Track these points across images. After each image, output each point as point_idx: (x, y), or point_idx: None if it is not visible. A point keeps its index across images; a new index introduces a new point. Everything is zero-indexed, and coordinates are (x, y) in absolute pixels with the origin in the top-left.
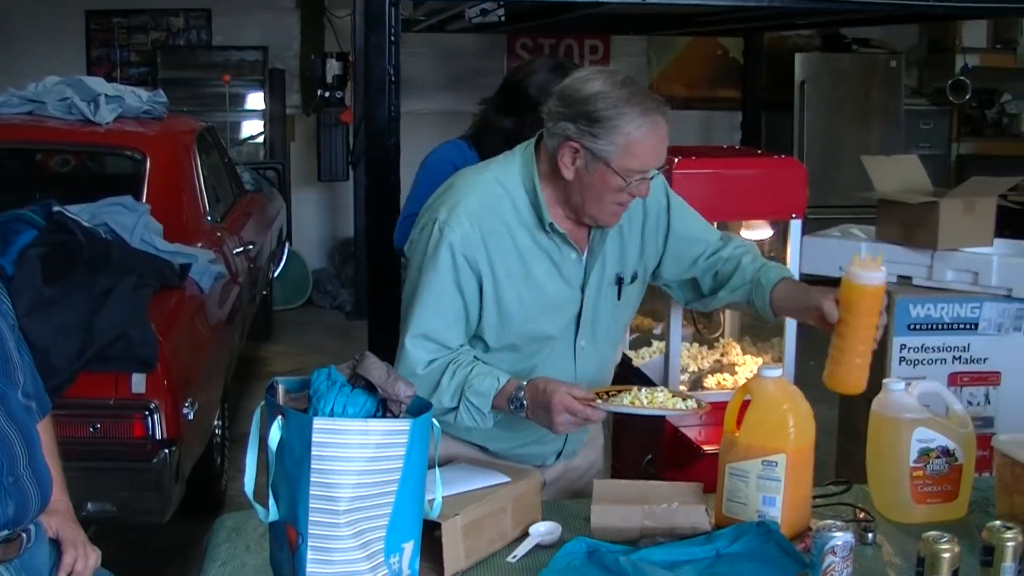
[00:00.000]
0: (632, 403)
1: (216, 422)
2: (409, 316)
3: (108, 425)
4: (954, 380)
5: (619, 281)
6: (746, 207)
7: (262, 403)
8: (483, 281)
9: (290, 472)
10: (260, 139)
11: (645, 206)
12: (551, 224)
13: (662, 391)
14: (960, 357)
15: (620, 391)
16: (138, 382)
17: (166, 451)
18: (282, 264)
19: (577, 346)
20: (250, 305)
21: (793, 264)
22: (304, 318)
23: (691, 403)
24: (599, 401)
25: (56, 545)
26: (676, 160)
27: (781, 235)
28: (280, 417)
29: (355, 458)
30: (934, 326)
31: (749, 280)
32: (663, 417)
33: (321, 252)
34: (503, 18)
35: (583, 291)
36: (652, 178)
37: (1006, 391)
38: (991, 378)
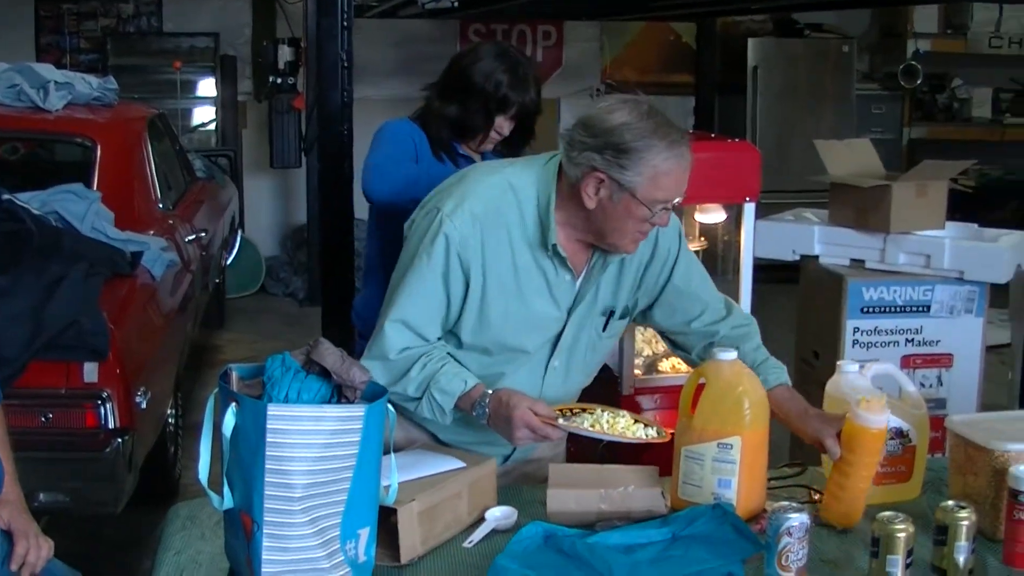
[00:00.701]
0: (593, 427)
1: (169, 411)
2: (393, 299)
3: (60, 415)
4: (907, 362)
5: (609, 314)
6: (700, 191)
7: (215, 390)
8: (471, 284)
9: (245, 459)
10: (212, 126)
11: (655, 249)
12: (554, 245)
13: (624, 416)
14: (913, 339)
15: (584, 409)
16: (90, 371)
17: (119, 440)
18: (235, 252)
19: (550, 366)
20: (203, 293)
21: (747, 247)
22: (257, 306)
23: (651, 431)
24: (561, 420)
25: (7, 536)
26: None
27: (735, 219)
28: (234, 404)
29: (310, 444)
30: (887, 309)
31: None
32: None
33: (274, 239)
34: (456, 3)
35: (569, 314)
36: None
37: (958, 373)
38: (943, 360)
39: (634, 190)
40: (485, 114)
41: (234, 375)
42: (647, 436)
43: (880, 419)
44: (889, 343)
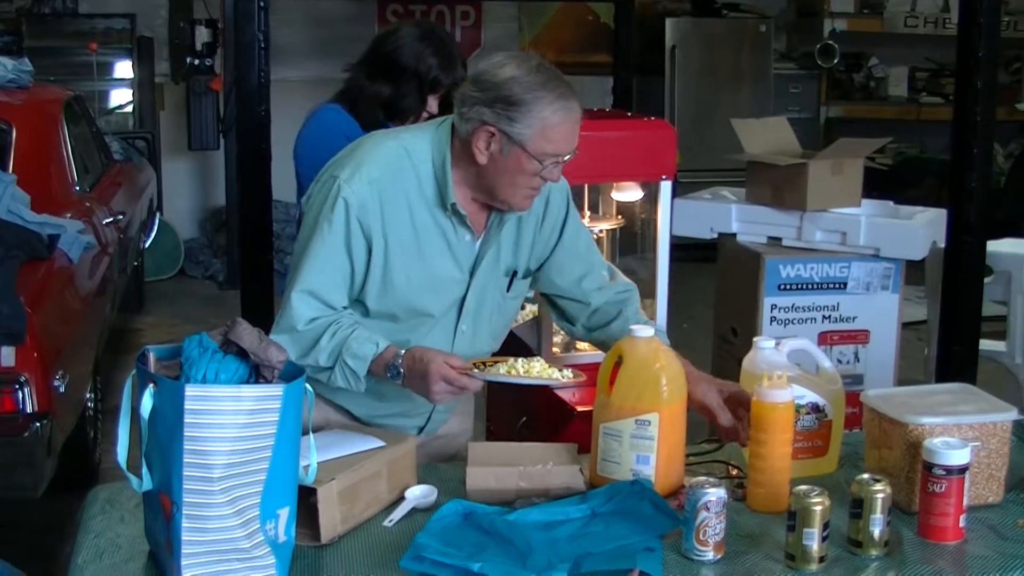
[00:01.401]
0: (509, 372)
1: (88, 395)
2: (298, 270)
3: None
4: (824, 339)
5: (511, 274)
6: (617, 169)
7: (133, 372)
8: (373, 249)
9: (163, 440)
10: (129, 108)
11: (547, 207)
12: (453, 204)
13: (539, 361)
14: (830, 316)
15: (496, 362)
16: (7, 355)
17: (37, 424)
18: (153, 234)
19: (458, 330)
20: (121, 276)
21: (663, 225)
22: (176, 288)
23: (567, 373)
24: (476, 371)
25: None
26: None
27: (652, 197)
28: (152, 385)
29: (228, 424)
30: (804, 286)
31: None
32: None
33: (192, 222)
34: None
35: (472, 275)
36: (565, 162)
37: (874, 349)
38: (860, 336)
39: (524, 143)
40: (419, 96)
41: (152, 356)
42: (563, 377)
43: (785, 393)
44: (806, 320)
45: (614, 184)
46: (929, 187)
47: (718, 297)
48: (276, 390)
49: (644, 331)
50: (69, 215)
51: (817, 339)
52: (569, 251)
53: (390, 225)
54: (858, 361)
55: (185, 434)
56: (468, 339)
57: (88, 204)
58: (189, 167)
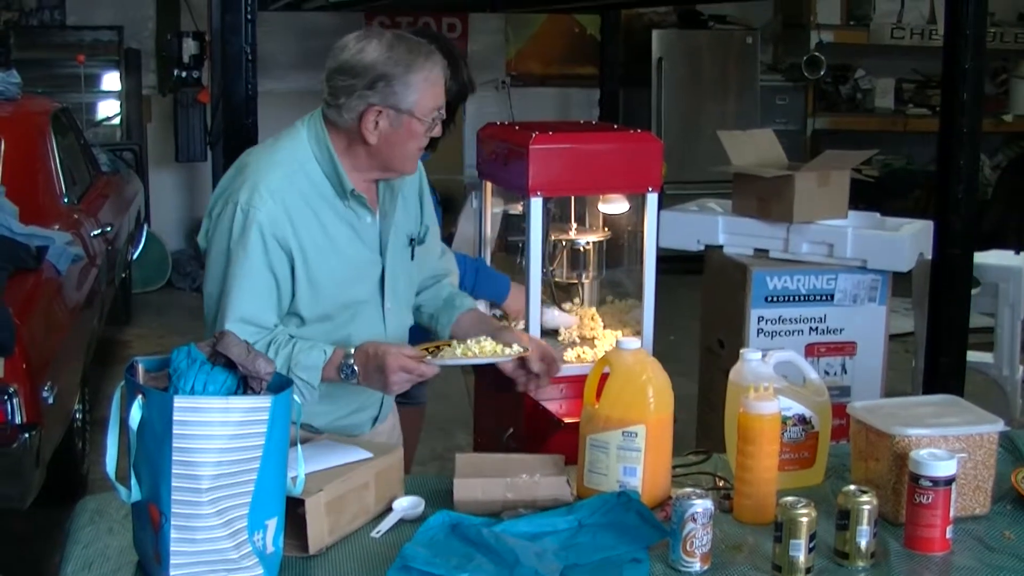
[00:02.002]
0: (465, 354)
1: (76, 406)
2: (225, 303)
3: None
4: (811, 351)
5: (411, 242)
6: (603, 181)
7: (122, 383)
8: (294, 258)
9: (152, 451)
10: (116, 120)
11: (421, 178)
12: (352, 190)
13: (488, 340)
14: (817, 328)
15: (440, 346)
16: None
17: (26, 435)
18: (140, 246)
19: (385, 309)
20: (109, 288)
21: (650, 238)
22: (164, 300)
23: (516, 348)
24: (430, 357)
25: None
26: (533, 135)
27: (639, 209)
28: (141, 397)
29: (217, 436)
30: (791, 298)
31: (443, 300)
32: (515, 385)
33: (179, 233)
34: None
35: (383, 254)
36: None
37: (861, 360)
38: (847, 348)
39: (413, 109)
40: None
41: (140, 368)
42: (514, 352)
43: (771, 404)
44: (793, 332)
45: (600, 196)
46: (916, 199)
47: (704, 309)
48: (264, 401)
49: (631, 343)
50: (57, 227)
51: (804, 351)
52: (428, 229)
53: (301, 231)
54: (845, 373)
55: (174, 445)
56: (395, 316)
57: (76, 216)
58: (176, 179)
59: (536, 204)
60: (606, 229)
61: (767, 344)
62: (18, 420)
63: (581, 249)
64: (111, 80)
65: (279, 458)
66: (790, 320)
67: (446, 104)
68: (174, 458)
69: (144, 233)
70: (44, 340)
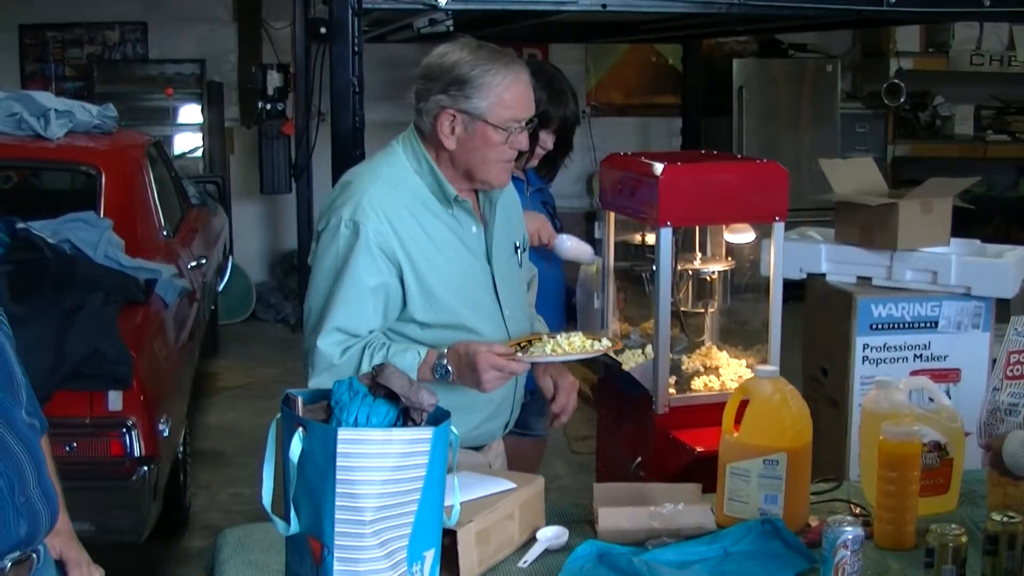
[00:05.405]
0: (554, 351)
1: (180, 438)
2: (326, 313)
3: (84, 444)
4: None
5: (517, 249)
6: (732, 210)
7: (278, 416)
8: (402, 267)
9: (313, 484)
10: (198, 152)
11: (508, 190)
12: (456, 196)
13: (577, 335)
14: (921, 355)
15: (531, 340)
16: (114, 399)
17: (144, 469)
18: (227, 278)
19: (505, 317)
20: (202, 320)
21: (777, 266)
22: (249, 332)
23: (606, 342)
24: (520, 354)
25: (60, 566)
26: (663, 165)
27: (759, 238)
28: (301, 429)
29: (379, 467)
30: (895, 325)
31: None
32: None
33: (263, 265)
34: (452, 28)
35: (490, 261)
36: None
37: (966, 387)
38: (951, 375)
39: (484, 115)
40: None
41: (299, 400)
42: (604, 347)
43: (912, 431)
44: (898, 359)
45: (725, 226)
46: (996, 225)
47: (807, 337)
48: (426, 433)
49: (768, 371)
50: (158, 259)
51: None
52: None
53: (407, 241)
54: (949, 399)
55: (337, 477)
56: (515, 323)
57: (175, 249)
58: (259, 211)
59: (666, 234)
60: (729, 259)
61: (872, 372)
62: (137, 453)
63: (708, 279)
64: (192, 112)
65: (438, 489)
66: (895, 347)
67: (559, 132)
68: (338, 490)
69: (230, 265)
70: (157, 373)
